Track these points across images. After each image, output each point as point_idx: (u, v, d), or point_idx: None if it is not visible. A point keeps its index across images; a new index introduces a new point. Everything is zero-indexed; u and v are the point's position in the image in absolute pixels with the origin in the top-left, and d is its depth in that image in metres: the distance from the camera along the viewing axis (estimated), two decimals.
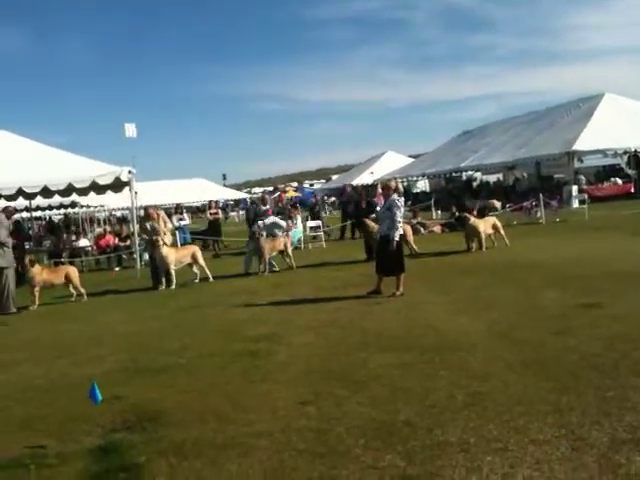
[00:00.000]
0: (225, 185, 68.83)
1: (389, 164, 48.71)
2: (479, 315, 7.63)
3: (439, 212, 27.23)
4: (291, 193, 59.82)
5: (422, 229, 19.96)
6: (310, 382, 5.45)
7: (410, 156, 55.65)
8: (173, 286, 12.80)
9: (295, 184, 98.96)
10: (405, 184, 42.65)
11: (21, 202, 21.27)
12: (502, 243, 14.57)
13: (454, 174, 40.59)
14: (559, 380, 4.95)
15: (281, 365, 6.13)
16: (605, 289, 8.37)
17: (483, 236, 14.18)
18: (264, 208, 16.50)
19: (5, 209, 12.46)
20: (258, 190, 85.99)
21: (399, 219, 9.43)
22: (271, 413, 4.79)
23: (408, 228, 14.79)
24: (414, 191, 44.58)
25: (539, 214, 21.24)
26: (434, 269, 12.08)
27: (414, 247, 14.65)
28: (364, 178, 47.22)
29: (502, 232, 14.75)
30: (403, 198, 9.95)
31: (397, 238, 9.40)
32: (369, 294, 9.58)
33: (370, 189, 32.19)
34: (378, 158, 53.11)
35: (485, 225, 14.40)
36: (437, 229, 20.65)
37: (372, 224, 13.10)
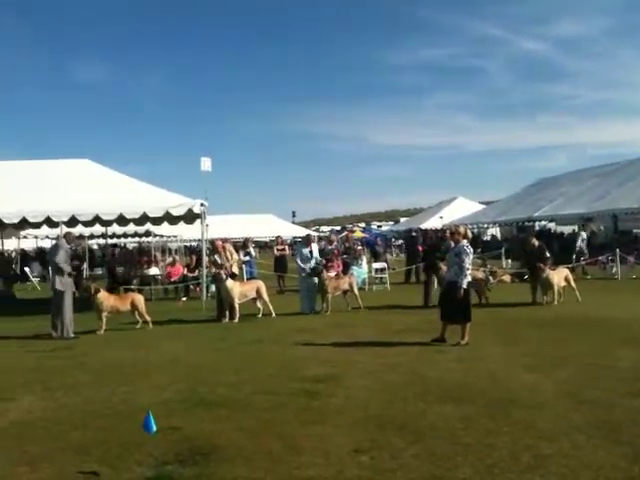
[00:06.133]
0: (294, 222, 69.54)
1: (459, 210, 48.13)
2: (547, 371, 7.31)
3: (509, 261, 26.60)
4: (358, 234, 59.83)
5: (491, 278, 19.46)
6: (366, 429, 5.30)
7: (481, 202, 54.91)
8: (236, 319, 12.89)
9: (363, 225, 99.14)
10: (475, 231, 41.95)
11: (98, 229, 22.12)
12: (573, 296, 14.02)
13: (526, 223, 39.68)
14: (632, 446, 4.66)
15: (338, 409, 6.00)
16: None
17: (556, 289, 13.70)
18: (329, 247, 16.54)
19: (67, 234, 12.87)
20: (326, 229, 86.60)
21: (468, 266, 9.21)
22: (324, 458, 4.66)
23: (479, 275, 14.46)
24: (484, 238, 43.81)
25: (615, 269, 20.43)
26: (502, 320, 11.71)
27: (485, 295, 14.31)
28: (433, 222, 46.79)
29: (574, 285, 14.21)
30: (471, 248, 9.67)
31: (465, 285, 9.17)
32: (433, 341, 9.34)
33: (440, 234, 31.83)
34: (448, 203, 52.65)
35: (559, 277, 13.91)
36: (507, 279, 20.10)
37: (443, 267, 12.68)
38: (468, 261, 9.20)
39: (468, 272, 9.23)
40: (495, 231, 46.35)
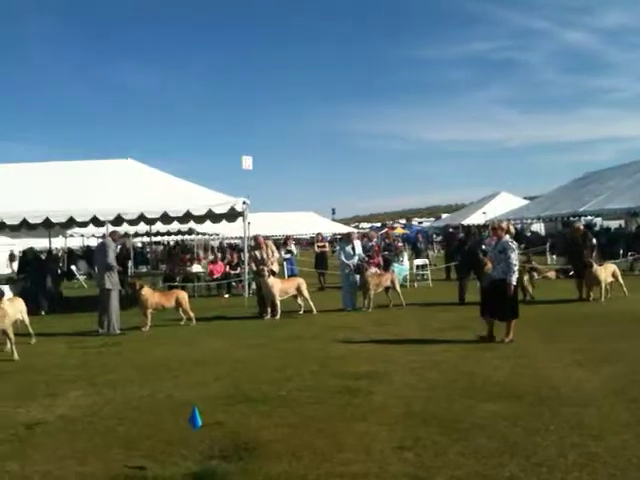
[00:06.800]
0: (334, 219, 69.52)
1: (502, 205, 47.35)
2: (595, 368, 7.15)
3: (554, 257, 26.12)
4: (399, 230, 59.50)
5: (535, 274, 19.11)
6: (410, 426, 5.27)
7: (525, 198, 53.98)
8: (278, 316, 12.96)
9: (403, 221, 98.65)
10: (519, 226, 41.23)
11: (142, 227, 22.50)
12: (620, 292, 13.69)
13: (572, 218, 38.83)
14: None
15: (381, 405, 5.98)
16: None
17: (604, 285, 13.39)
18: (370, 244, 16.46)
19: (113, 233, 13.15)
20: (366, 225, 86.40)
21: (515, 262, 9.05)
22: (367, 454, 4.65)
23: (524, 272, 14.22)
24: (527, 234, 43.04)
25: None
26: (547, 317, 11.50)
27: (530, 292, 14.07)
28: (475, 218, 46.18)
29: (621, 281, 13.88)
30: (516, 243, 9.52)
31: (514, 282, 9.02)
32: (481, 338, 9.17)
33: (482, 229, 31.43)
34: (491, 198, 51.84)
35: (606, 273, 13.60)
36: (551, 275, 19.71)
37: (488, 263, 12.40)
38: (514, 257, 9.05)
39: (516, 268, 9.07)
40: (539, 227, 45.49)
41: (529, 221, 43.45)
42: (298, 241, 48.72)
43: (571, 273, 15.93)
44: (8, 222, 15.16)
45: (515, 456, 4.48)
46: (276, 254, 14.38)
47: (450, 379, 6.91)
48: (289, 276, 18.76)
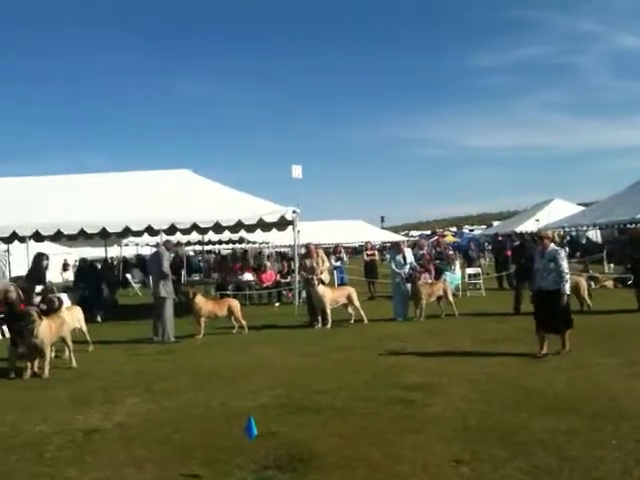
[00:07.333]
0: (383, 227, 69.17)
1: (556, 212, 46.25)
2: None
3: (611, 265, 25.40)
4: (450, 238, 58.80)
5: (592, 283, 18.60)
6: (466, 439, 5.18)
7: (580, 204, 52.63)
8: (329, 325, 12.96)
9: (454, 229, 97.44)
10: (574, 234, 40.21)
11: (194, 236, 22.86)
12: None
13: (629, 225, 37.64)
14: None
15: (435, 418, 5.91)
16: None
17: None
18: (421, 252, 16.32)
19: (166, 242, 13.39)
20: (415, 233, 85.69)
21: (567, 270, 8.83)
22: (423, 468, 4.60)
23: (582, 280, 13.88)
24: (582, 242, 41.92)
25: None
26: (605, 327, 11.15)
27: (587, 301, 13.67)
28: (528, 225, 45.22)
29: None
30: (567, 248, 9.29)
31: (568, 292, 8.79)
32: (539, 357, 8.85)
33: (535, 237, 30.73)
34: (545, 205, 50.72)
35: None
36: (609, 284, 19.17)
37: None
38: (565, 265, 8.83)
39: (568, 276, 8.85)
40: (595, 234, 44.24)
41: (584, 228, 42.30)
42: (346, 249, 48.65)
43: (630, 282, 15.47)
44: (66, 232, 15.63)
45: (576, 471, 4.37)
46: (326, 263, 14.42)
47: (506, 392, 6.78)
48: (339, 285, 18.76)
